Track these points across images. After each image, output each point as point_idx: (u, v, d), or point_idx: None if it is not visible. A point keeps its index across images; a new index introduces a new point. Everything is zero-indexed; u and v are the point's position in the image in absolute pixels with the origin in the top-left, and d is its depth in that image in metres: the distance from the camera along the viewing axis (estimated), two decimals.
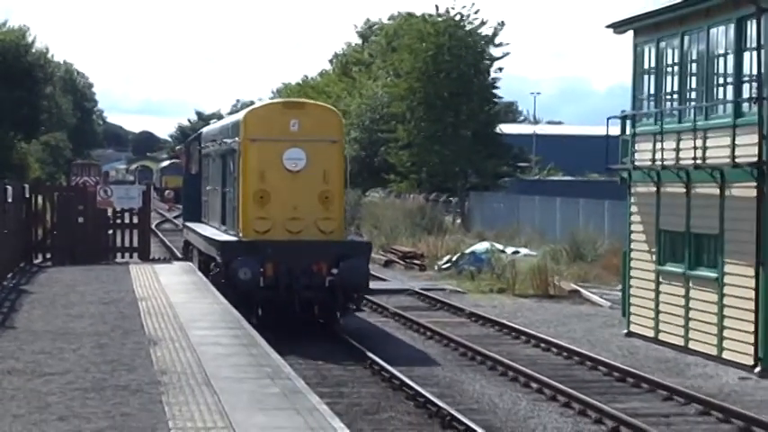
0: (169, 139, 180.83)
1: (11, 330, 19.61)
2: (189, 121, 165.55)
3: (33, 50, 66.93)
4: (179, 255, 42.20)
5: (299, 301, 26.15)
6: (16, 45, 64.84)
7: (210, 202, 34.11)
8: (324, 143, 27.53)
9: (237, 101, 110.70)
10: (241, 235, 27.34)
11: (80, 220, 33.82)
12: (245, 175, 27.36)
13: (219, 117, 72.18)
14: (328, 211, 27.21)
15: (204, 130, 40.13)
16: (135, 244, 34.24)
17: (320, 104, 30.80)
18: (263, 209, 26.94)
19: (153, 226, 50.99)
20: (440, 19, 68.67)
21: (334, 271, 26.11)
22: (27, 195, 33.32)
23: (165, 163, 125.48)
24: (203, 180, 36.40)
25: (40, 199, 34.22)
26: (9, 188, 29.20)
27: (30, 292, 25.58)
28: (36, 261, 32.42)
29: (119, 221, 34.33)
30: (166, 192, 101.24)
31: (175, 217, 78.99)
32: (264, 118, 28.24)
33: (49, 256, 33.06)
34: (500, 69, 70.72)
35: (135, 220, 34.51)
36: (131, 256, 33.76)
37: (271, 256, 26.08)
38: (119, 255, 33.69)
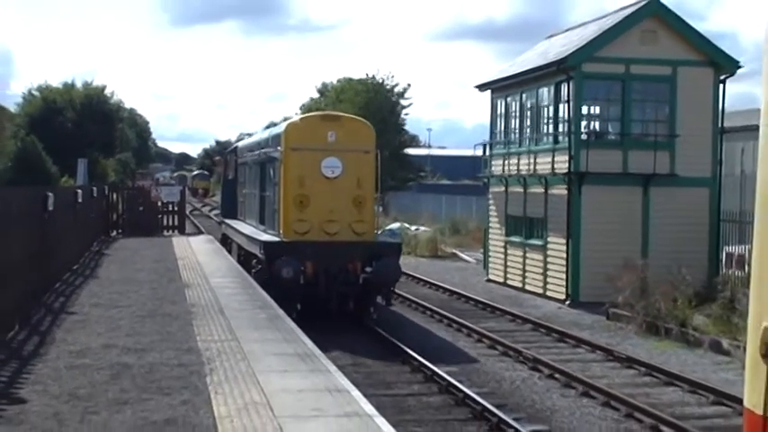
0: (197, 157, 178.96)
1: (96, 279, 19.47)
2: (210, 146, 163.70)
3: (111, 101, 66.51)
4: (203, 230, 41.83)
5: (336, 296, 19.87)
6: (98, 96, 64.24)
7: (247, 203, 27.55)
8: (358, 153, 20.78)
9: (241, 133, 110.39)
10: (282, 235, 20.68)
11: (140, 208, 33.73)
12: (287, 180, 20.71)
13: (229, 144, 71.68)
14: (361, 214, 20.65)
15: (240, 144, 32.45)
16: (176, 223, 34.06)
17: (355, 118, 23.22)
18: (302, 212, 20.43)
19: (187, 212, 50.60)
20: (369, 81, 68.79)
21: (368, 269, 19.68)
22: (106, 193, 33.11)
23: (195, 172, 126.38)
24: (239, 184, 29.92)
25: (114, 195, 33.98)
26: (95, 188, 29.36)
27: (107, 254, 25.36)
28: (112, 234, 32.13)
29: (165, 209, 34.13)
30: (199, 191, 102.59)
31: (201, 207, 78.44)
32: (304, 129, 21.16)
33: (120, 231, 32.79)
34: (406, 106, 71.00)
35: (176, 208, 34.35)
36: (173, 232, 33.51)
37: (310, 256, 19.57)
38: (165, 230, 33.46)
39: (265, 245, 20.26)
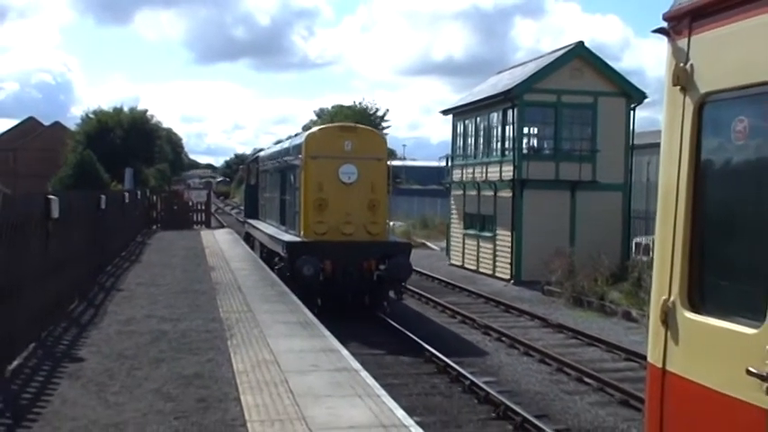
0: (219, 167, 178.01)
1: (139, 263, 19.40)
2: (230, 158, 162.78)
3: (151, 122, 65.98)
4: (225, 225, 41.63)
5: (352, 291, 17.41)
6: (141, 118, 63.81)
7: (268, 205, 24.59)
8: (372, 160, 18.00)
9: (254, 148, 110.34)
10: (302, 236, 17.93)
11: (175, 207, 33.53)
12: (307, 186, 17.97)
13: (245, 157, 71.44)
14: (375, 216, 18.00)
15: (261, 153, 28.74)
16: (203, 219, 33.90)
17: (369, 129, 20.32)
18: (321, 214, 17.78)
19: (212, 211, 50.33)
20: (356, 107, 68.89)
21: (381, 267, 17.17)
22: (147, 195, 32.94)
23: (219, 179, 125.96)
24: (261, 189, 26.83)
25: (154, 197, 33.79)
26: (138, 192, 29.29)
27: (149, 243, 25.24)
28: (152, 228, 31.96)
29: (195, 208, 33.99)
30: (221, 197, 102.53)
31: (224, 206, 78.06)
32: (323, 139, 18.23)
33: (158, 225, 32.60)
34: (386, 127, 70.99)
35: (203, 207, 34.21)
36: (201, 226, 33.37)
37: (329, 255, 16.94)
38: (194, 225, 33.30)
39: (288, 245, 17.63)
